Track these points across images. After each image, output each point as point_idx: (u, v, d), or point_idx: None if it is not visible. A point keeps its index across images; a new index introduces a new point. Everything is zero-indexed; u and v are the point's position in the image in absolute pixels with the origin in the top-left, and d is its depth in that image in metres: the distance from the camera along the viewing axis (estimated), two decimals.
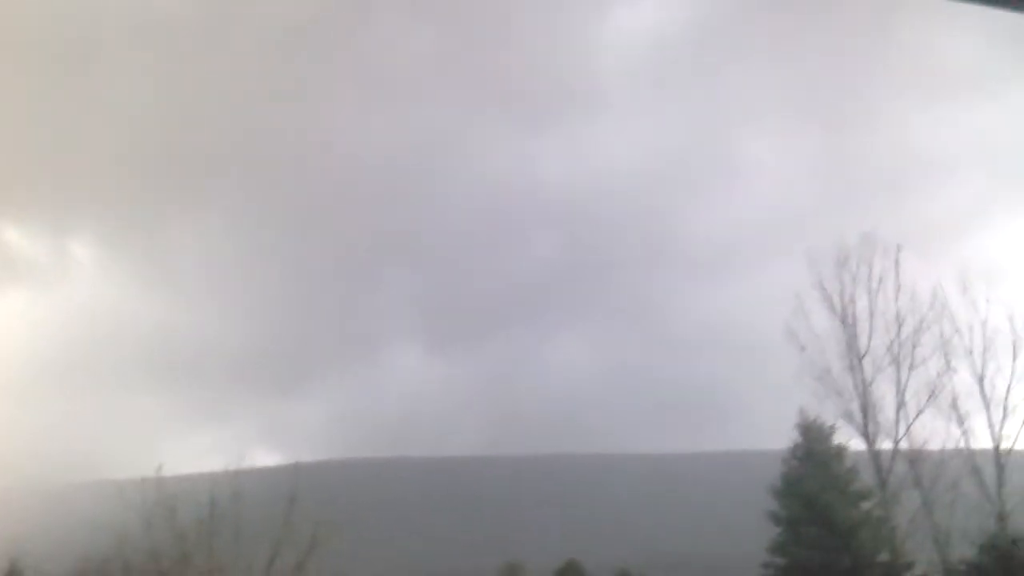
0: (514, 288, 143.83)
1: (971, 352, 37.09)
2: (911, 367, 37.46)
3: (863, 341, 38.53)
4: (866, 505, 38.63)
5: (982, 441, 36.70)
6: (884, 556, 37.37)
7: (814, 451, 40.07)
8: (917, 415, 37.14)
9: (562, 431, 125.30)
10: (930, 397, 36.94)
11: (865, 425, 37.71)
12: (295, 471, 34.21)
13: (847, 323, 38.87)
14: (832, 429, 39.72)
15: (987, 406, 36.61)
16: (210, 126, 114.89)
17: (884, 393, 37.80)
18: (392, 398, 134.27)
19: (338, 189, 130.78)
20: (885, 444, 37.50)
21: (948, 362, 37.21)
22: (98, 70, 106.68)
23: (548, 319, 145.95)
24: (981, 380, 36.77)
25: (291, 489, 33.69)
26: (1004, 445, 36.30)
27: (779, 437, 42.22)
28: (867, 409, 37.73)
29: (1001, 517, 35.30)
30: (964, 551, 36.13)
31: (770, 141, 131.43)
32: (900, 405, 37.28)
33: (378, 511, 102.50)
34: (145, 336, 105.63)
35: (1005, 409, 36.47)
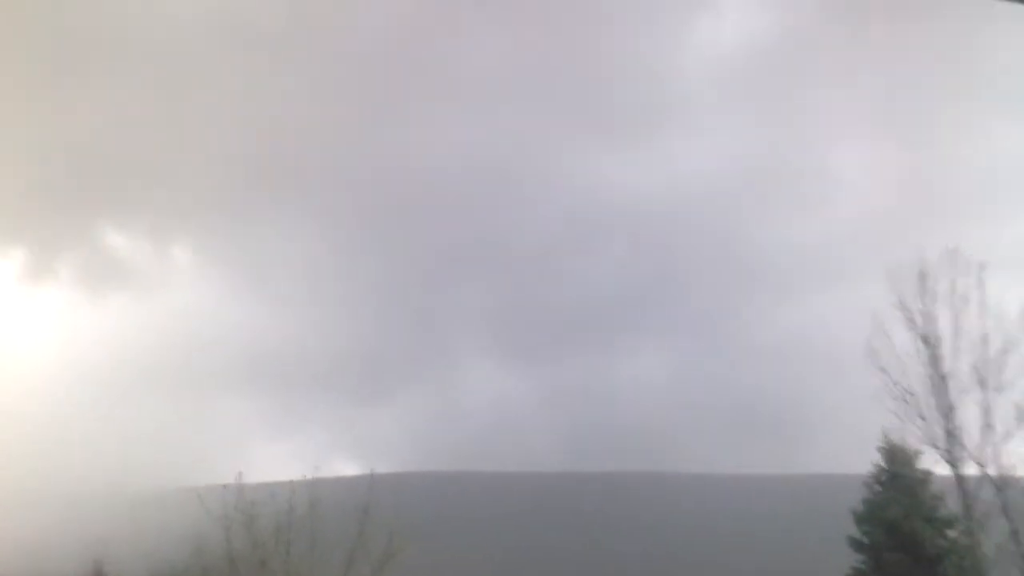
0: (593, 302, 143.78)
1: None
2: (998, 389, 36.28)
3: (947, 361, 37.47)
4: (952, 533, 37.56)
5: None
6: None
7: (898, 475, 39.15)
8: (1005, 439, 35.96)
9: (638, 448, 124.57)
10: (1018, 420, 35.72)
11: (949, 449, 36.64)
12: (371, 481, 34.55)
13: (930, 342, 37.83)
14: (917, 453, 38.72)
15: None
16: (303, 137, 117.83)
17: (969, 416, 36.66)
18: (469, 411, 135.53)
19: (421, 199, 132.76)
20: (970, 469, 36.41)
21: None
22: (197, 81, 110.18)
23: (627, 333, 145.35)
24: None
25: (366, 500, 33.97)
26: None
27: (858, 460, 41.40)
28: (952, 432, 36.65)
29: None
30: None
31: (855, 154, 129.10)
32: (986, 428, 36.12)
33: (453, 525, 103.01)
34: (238, 342, 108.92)
35: None
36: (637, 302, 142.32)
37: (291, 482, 32.05)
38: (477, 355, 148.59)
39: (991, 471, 35.69)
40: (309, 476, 33.33)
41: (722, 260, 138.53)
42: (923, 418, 37.30)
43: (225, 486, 31.39)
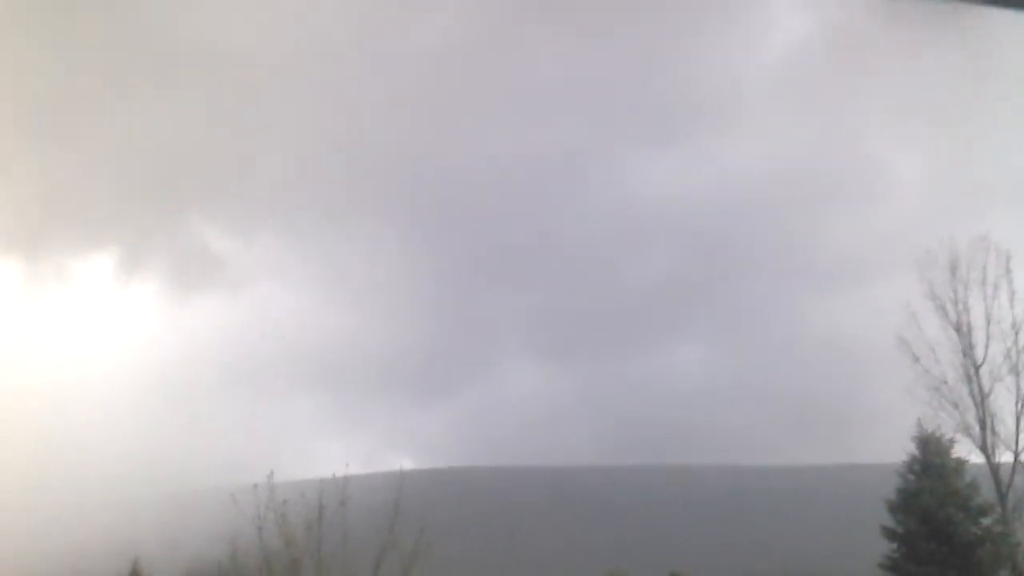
0: (637, 300, 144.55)
1: None
2: None
3: (979, 350, 37.18)
4: (986, 521, 37.21)
5: None
6: (1004, 574, 35.93)
7: (932, 464, 38.79)
8: None
9: (674, 442, 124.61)
10: None
11: (983, 437, 36.34)
12: (400, 478, 34.65)
13: (962, 331, 37.54)
14: (951, 442, 38.38)
15: None
16: (379, 144, 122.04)
17: (1003, 404, 36.38)
18: (513, 409, 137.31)
19: (480, 202, 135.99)
20: (1004, 457, 36.12)
21: None
22: (284, 88, 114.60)
23: (669, 331, 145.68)
24: None
25: (397, 496, 34.07)
26: None
27: (895, 450, 41.04)
28: (985, 420, 36.36)
29: None
30: None
31: (899, 150, 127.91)
32: (1020, 416, 35.83)
33: (488, 520, 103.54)
34: (309, 342, 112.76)
35: None
36: (680, 300, 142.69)
37: (321, 480, 32.19)
38: (524, 355, 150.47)
39: None
40: (340, 474, 33.47)
41: (767, 257, 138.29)
42: (956, 406, 37.14)
43: (256, 485, 31.57)
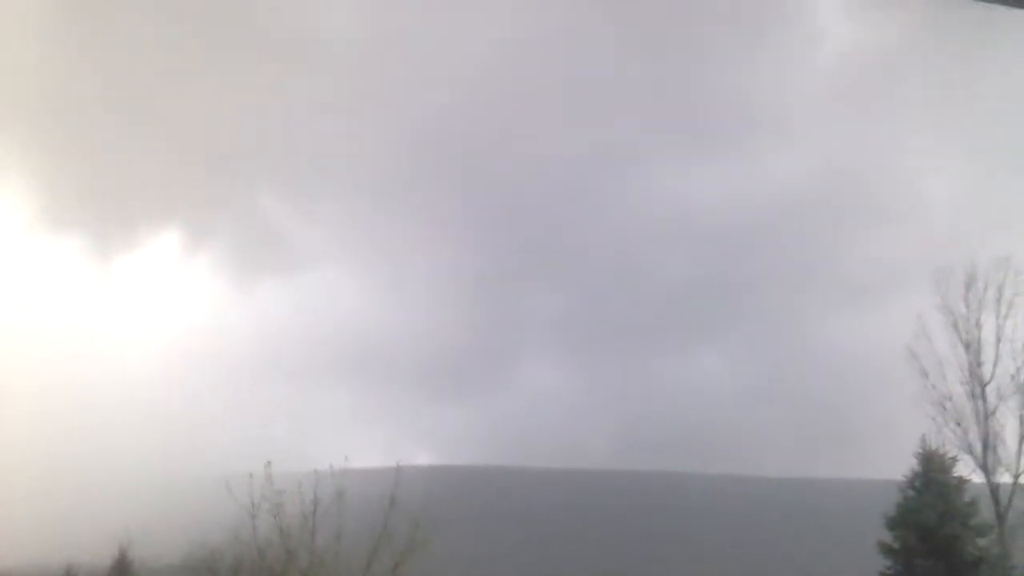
0: (659, 303, 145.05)
1: None
2: None
3: (987, 369, 36.81)
4: (983, 541, 36.83)
5: None
6: None
7: (934, 480, 38.43)
8: None
9: (687, 449, 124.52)
10: None
11: (984, 456, 35.99)
12: (396, 474, 34.62)
13: (971, 349, 37.17)
14: (954, 460, 38.01)
15: None
16: (434, 133, 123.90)
17: (1006, 424, 36.02)
18: (531, 408, 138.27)
19: (518, 200, 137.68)
20: (1004, 478, 35.76)
21: None
22: (344, 74, 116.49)
23: (686, 336, 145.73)
24: None
25: (393, 491, 34.01)
26: None
27: (898, 466, 40.73)
28: (987, 440, 36.00)
29: None
30: None
31: (934, 169, 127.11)
32: (1022, 437, 35.50)
33: (494, 520, 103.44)
34: (350, 331, 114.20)
35: None
36: (704, 306, 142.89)
37: (316, 472, 32.23)
38: (547, 355, 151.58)
39: None
40: (337, 467, 33.46)
41: (793, 268, 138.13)
42: (959, 424, 36.78)
43: (251, 475, 31.64)
